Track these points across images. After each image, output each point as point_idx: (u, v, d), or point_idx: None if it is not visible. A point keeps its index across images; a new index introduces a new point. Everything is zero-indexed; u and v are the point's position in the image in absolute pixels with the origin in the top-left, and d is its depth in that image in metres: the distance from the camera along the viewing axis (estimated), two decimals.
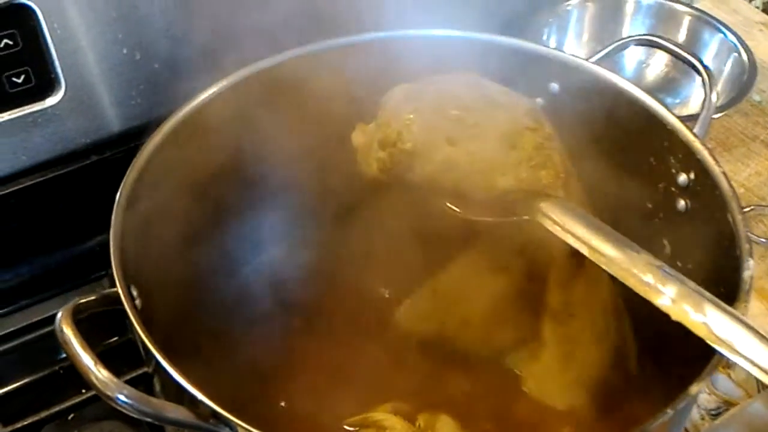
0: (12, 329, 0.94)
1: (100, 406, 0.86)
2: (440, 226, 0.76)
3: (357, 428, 0.77)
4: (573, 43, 1.20)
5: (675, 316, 0.57)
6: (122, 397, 0.58)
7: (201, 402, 0.58)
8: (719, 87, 1.13)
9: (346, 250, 0.89)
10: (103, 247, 0.98)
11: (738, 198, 0.69)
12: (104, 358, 0.79)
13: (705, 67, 0.80)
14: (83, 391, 0.87)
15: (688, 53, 0.80)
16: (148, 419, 0.59)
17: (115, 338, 0.91)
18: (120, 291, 0.64)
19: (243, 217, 0.88)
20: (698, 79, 1.13)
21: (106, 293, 0.65)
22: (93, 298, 0.65)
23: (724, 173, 0.70)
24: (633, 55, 1.21)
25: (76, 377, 0.87)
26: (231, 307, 0.86)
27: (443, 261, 0.83)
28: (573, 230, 0.64)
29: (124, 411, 0.58)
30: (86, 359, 0.59)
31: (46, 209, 0.97)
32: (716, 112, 1.05)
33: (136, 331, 0.62)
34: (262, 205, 0.87)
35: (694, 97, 1.16)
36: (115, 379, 0.58)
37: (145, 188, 0.73)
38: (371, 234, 0.86)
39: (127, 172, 0.73)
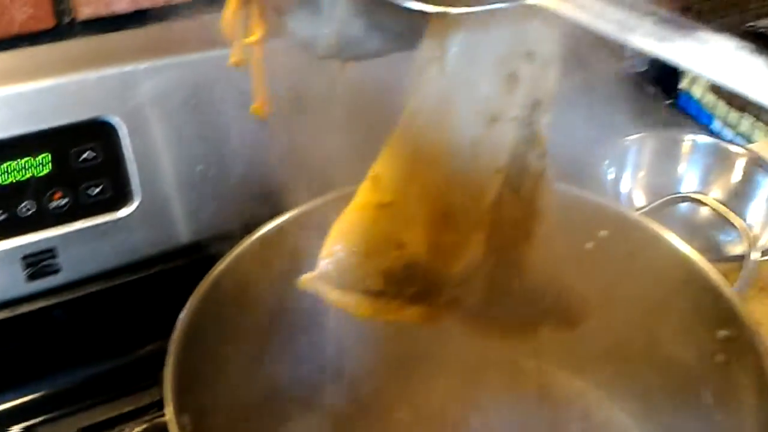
0: None
1: None
2: None
3: None
4: (630, 178, 1.23)
5: None
6: None
7: None
8: None
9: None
10: (155, 356, 1.02)
11: None
12: None
13: (751, 233, 0.83)
14: None
15: (733, 214, 0.84)
16: None
17: None
18: (172, 421, 0.65)
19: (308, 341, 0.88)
20: (750, 218, 1.17)
21: (157, 423, 0.67)
22: (145, 427, 0.69)
23: (760, 333, 0.72)
24: (689, 189, 1.24)
25: None
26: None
27: None
28: None
29: None
30: None
31: (108, 315, 1.00)
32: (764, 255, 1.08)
33: None
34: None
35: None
36: None
37: (208, 313, 0.76)
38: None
39: (191, 298, 0.76)
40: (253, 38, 0.65)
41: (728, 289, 0.76)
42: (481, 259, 0.65)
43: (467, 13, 0.51)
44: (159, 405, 0.93)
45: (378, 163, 0.63)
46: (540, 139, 0.63)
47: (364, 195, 0.63)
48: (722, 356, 0.77)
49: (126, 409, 0.94)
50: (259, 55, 0.66)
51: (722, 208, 0.85)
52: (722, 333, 0.77)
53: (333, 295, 0.65)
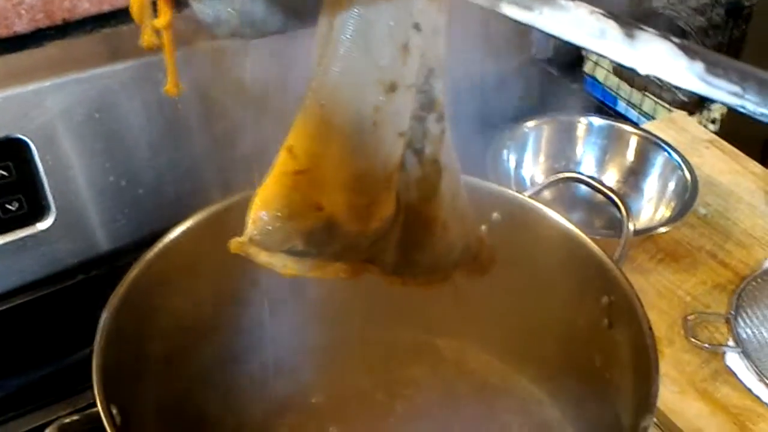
0: None
1: None
2: None
3: None
4: (531, 162, 1.28)
5: None
6: None
7: None
8: (665, 202, 1.22)
9: None
10: (87, 361, 1.05)
11: (649, 321, 0.77)
12: None
13: (624, 203, 0.89)
14: None
15: (610, 191, 0.90)
16: None
17: None
18: (101, 411, 0.69)
19: (228, 333, 0.93)
20: (646, 194, 1.23)
21: (88, 413, 0.71)
22: (76, 418, 0.72)
23: (638, 297, 0.78)
24: (587, 169, 1.30)
25: None
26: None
27: None
28: None
29: None
30: None
31: (34, 325, 1.03)
32: (664, 225, 1.15)
33: None
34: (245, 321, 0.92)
35: (644, 210, 1.24)
36: None
37: (129, 309, 0.79)
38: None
39: (111, 296, 0.79)
40: (161, 21, 0.67)
41: (607, 259, 0.82)
42: (393, 217, 0.70)
43: None
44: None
45: (291, 135, 0.67)
46: (437, 104, 0.68)
47: (280, 165, 0.67)
48: (606, 321, 0.84)
49: (63, 412, 0.94)
50: (169, 37, 0.69)
51: (597, 185, 0.91)
52: (605, 299, 0.83)
53: (261, 257, 0.68)
